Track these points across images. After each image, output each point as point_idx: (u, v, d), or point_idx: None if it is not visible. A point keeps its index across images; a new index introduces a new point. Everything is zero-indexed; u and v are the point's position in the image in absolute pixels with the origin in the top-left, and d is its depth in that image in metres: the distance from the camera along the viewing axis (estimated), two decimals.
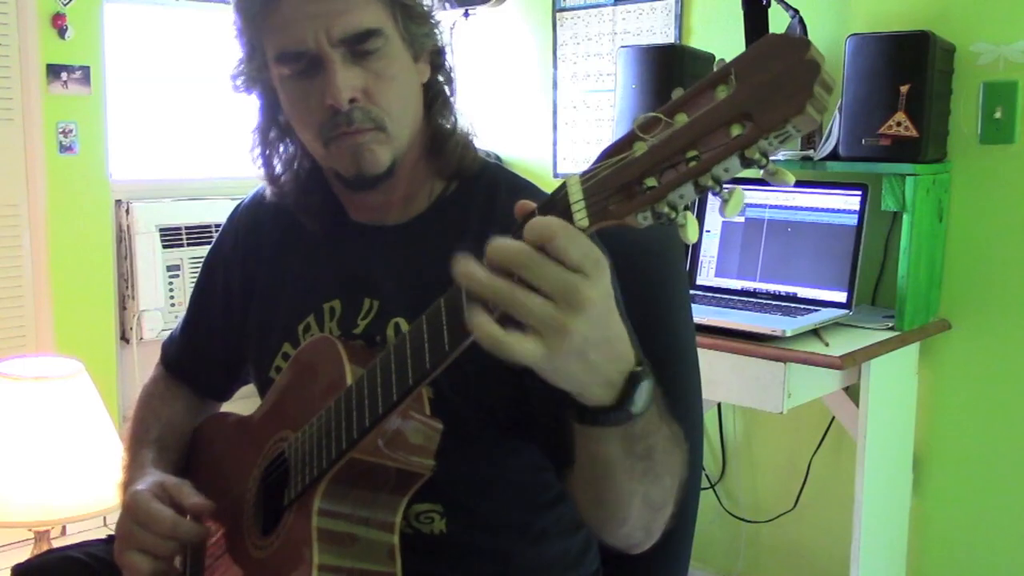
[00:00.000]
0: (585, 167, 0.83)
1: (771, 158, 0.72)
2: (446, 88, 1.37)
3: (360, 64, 1.23)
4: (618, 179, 0.79)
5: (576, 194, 0.82)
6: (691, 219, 0.77)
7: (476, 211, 1.32)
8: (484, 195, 1.34)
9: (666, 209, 0.77)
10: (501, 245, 0.84)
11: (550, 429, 1.19)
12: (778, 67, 0.72)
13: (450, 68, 1.37)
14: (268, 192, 1.42)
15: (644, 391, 0.94)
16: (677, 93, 0.76)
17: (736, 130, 0.72)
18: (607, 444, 0.98)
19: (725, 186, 0.74)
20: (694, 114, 0.75)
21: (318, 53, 1.21)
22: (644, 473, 1.02)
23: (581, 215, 0.81)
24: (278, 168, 1.40)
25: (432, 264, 1.29)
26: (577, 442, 1.02)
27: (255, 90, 1.35)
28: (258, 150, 1.40)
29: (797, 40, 0.71)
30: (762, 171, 0.73)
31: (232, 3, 1.28)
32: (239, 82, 1.34)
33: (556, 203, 0.85)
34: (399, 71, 1.26)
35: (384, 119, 1.25)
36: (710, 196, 0.77)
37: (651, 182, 0.77)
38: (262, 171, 1.41)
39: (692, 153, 0.74)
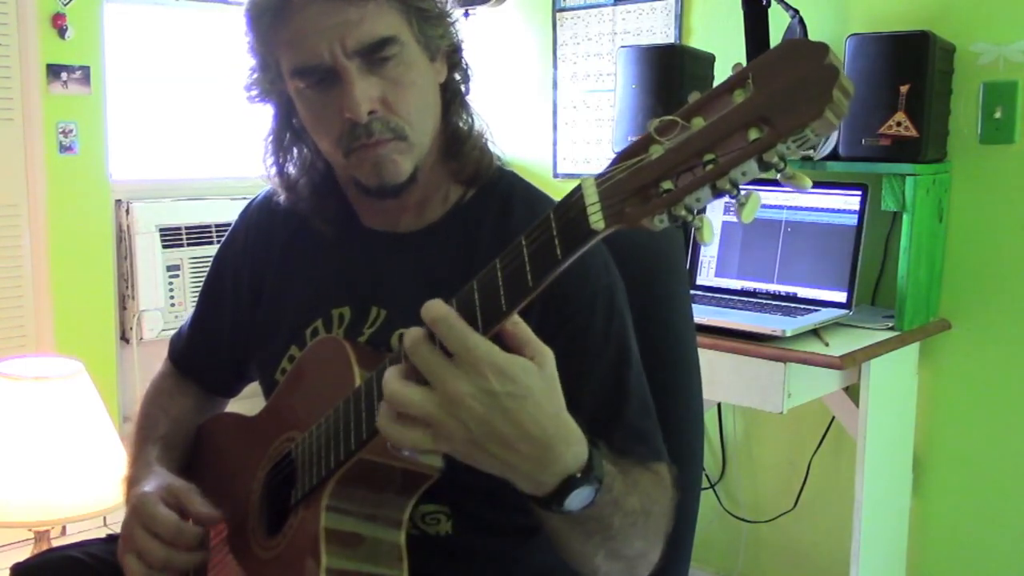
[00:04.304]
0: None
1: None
2: (463, 87, 1.36)
3: (377, 73, 1.21)
4: (634, 182, 0.79)
5: (592, 196, 0.82)
6: (707, 221, 0.77)
7: (489, 224, 1.31)
8: (498, 207, 1.33)
9: (683, 212, 0.77)
10: (407, 333, 0.94)
11: None
12: (797, 72, 0.72)
13: (466, 65, 1.36)
14: (283, 199, 1.41)
15: (581, 496, 0.97)
16: (693, 97, 0.76)
17: (754, 134, 0.72)
18: (550, 519, 1.02)
19: (742, 189, 0.75)
20: (711, 118, 0.75)
21: (334, 66, 1.20)
22: (604, 540, 1.05)
23: (597, 217, 0.81)
24: (294, 173, 1.39)
25: (443, 275, 1.29)
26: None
27: (269, 100, 1.34)
28: (272, 159, 1.39)
29: (815, 45, 0.72)
30: (779, 174, 0.73)
31: (244, 19, 1.26)
32: (253, 93, 1.33)
33: (571, 205, 0.85)
34: (417, 76, 1.25)
35: (404, 128, 1.24)
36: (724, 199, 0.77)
37: (667, 185, 0.76)
38: (277, 179, 1.40)
39: (709, 156, 0.74)
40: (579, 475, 0.96)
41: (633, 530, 1.07)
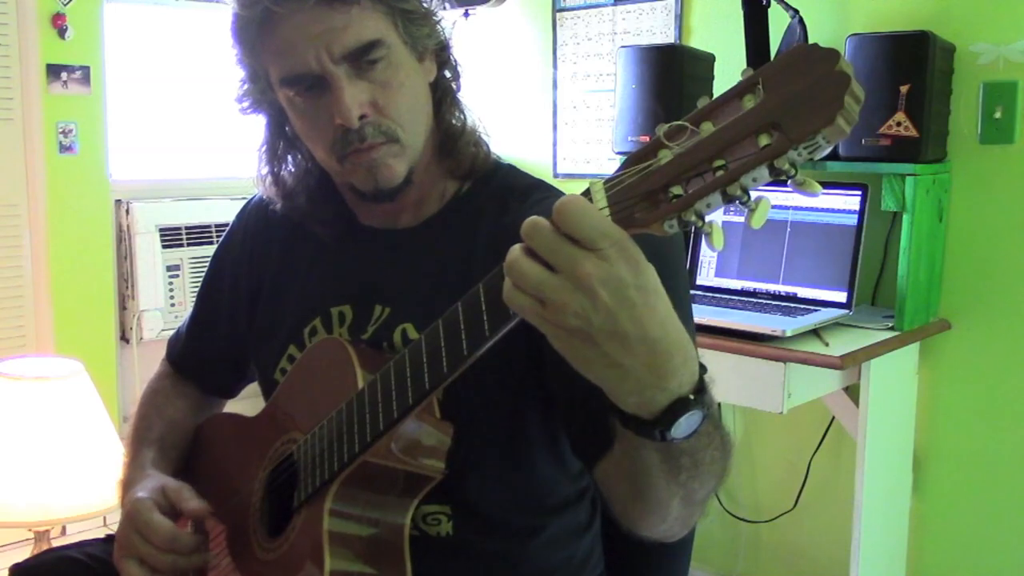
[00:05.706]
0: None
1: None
2: (454, 84, 1.36)
3: (365, 77, 1.22)
4: (643, 186, 0.79)
5: (601, 200, 0.81)
6: (717, 227, 0.77)
7: (488, 214, 1.31)
8: (496, 197, 1.32)
9: (692, 217, 0.76)
10: (527, 220, 0.82)
11: (577, 422, 1.18)
12: (808, 78, 0.72)
13: (455, 63, 1.36)
14: (279, 207, 1.41)
15: (691, 422, 0.89)
16: (702, 101, 0.76)
17: (764, 140, 0.72)
18: (646, 452, 0.95)
19: (752, 194, 0.74)
20: (721, 123, 0.75)
21: (322, 73, 1.20)
22: (688, 479, 0.98)
23: None
24: (289, 181, 1.39)
25: (443, 269, 1.29)
26: (617, 438, 0.99)
27: (261, 111, 1.34)
28: (267, 168, 1.39)
29: (826, 51, 0.71)
30: (790, 181, 0.72)
31: (230, 32, 1.26)
32: (244, 104, 1.33)
33: None
34: (405, 77, 1.25)
35: (396, 131, 1.24)
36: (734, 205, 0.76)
37: (677, 190, 0.76)
38: (272, 189, 1.40)
39: (719, 162, 0.74)
40: (692, 396, 0.88)
41: (716, 464, 0.99)
